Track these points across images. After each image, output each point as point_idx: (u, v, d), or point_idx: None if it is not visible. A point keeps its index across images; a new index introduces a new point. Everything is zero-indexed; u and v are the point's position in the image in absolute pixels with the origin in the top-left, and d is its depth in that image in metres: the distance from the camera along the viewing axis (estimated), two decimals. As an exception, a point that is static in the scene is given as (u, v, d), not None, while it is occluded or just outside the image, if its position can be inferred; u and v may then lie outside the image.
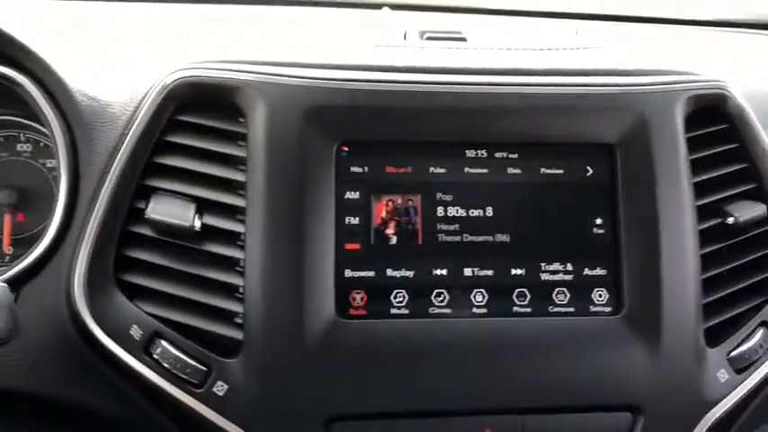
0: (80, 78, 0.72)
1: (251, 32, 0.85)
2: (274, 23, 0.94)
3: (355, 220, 0.68)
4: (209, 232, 0.67)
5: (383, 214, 0.69)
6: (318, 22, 1.02)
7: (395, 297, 0.68)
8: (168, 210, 0.67)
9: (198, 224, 0.67)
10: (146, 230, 0.68)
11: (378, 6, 1.07)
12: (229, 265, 0.67)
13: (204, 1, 1.05)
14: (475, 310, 0.69)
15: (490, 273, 0.69)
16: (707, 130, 0.76)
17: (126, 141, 0.68)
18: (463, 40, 0.82)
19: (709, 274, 0.72)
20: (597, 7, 1.20)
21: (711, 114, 0.76)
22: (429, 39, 0.82)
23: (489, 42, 0.81)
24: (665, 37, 1.16)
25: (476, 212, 0.70)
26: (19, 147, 0.81)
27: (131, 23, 0.89)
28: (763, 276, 0.75)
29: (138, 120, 0.68)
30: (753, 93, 0.81)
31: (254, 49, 0.72)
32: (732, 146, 0.76)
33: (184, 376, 0.65)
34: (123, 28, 0.86)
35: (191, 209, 0.67)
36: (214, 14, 0.98)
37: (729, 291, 0.73)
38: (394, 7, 1.07)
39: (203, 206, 0.68)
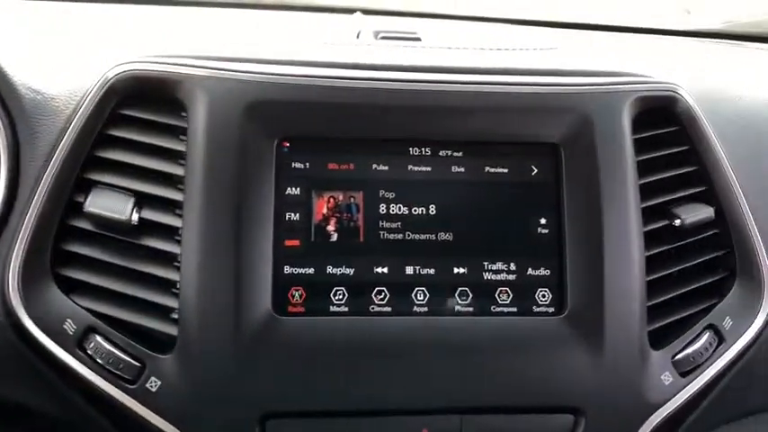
0: (24, 72, 0.71)
1: (202, 31, 0.85)
2: (230, 24, 0.94)
3: (295, 217, 0.68)
4: (147, 227, 0.67)
5: (324, 211, 0.68)
6: (281, 24, 1.02)
7: (334, 295, 0.67)
8: (106, 203, 0.66)
9: (135, 218, 0.66)
10: (84, 224, 0.67)
11: (350, 11, 1.07)
12: (167, 260, 0.66)
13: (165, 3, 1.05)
14: (416, 308, 0.68)
15: (432, 271, 0.69)
16: (656, 132, 0.75)
17: (67, 134, 0.67)
18: (417, 39, 0.82)
19: (654, 276, 0.72)
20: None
21: (661, 116, 0.76)
22: (383, 38, 0.82)
23: (443, 43, 0.80)
24: (632, 44, 1.16)
25: (419, 210, 0.70)
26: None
27: (77, 18, 0.88)
28: (710, 280, 0.75)
29: (79, 113, 0.67)
30: (709, 97, 0.81)
31: (198, 44, 0.72)
32: (682, 148, 0.76)
33: (117, 372, 0.64)
34: (68, 23, 0.85)
35: (129, 203, 0.66)
36: (167, 14, 0.98)
37: (676, 293, 0.73)
38: (367, 12, 1.07)
39: (143, 200, 0.67)
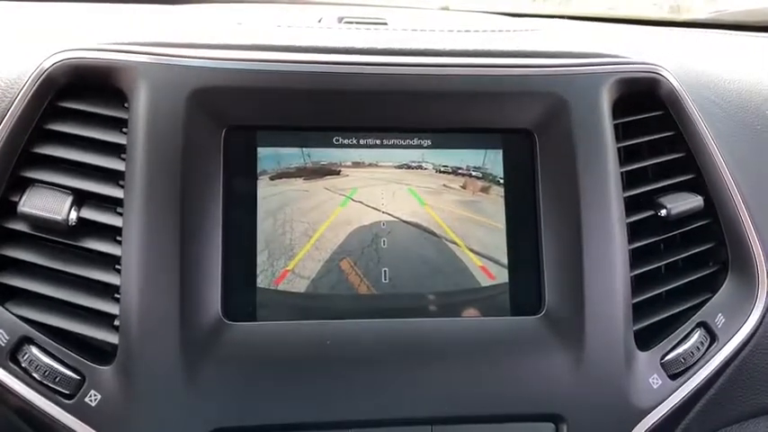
0: (-44, 64, 0.66)
1: (146, 22, 0.79)
2: (180, 18, 0.88)
3: (246, 212, 0.63)
4: (86, 227, 0.62)
5: (278, 205, 0.63)
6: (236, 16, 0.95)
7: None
8: (42, 203, 0.61)
9: (74, 218, 0.61)
10: (19, 226, 0.62)
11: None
12: (107, 262, 0.61)
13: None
14: None
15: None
16: (639, 117, 0.71)
17: (0, 129, 0.62)
18: (383, 24, 0.77)
19: (639, 271, 0.67)
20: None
21: (644, 100, 0.71)
22: (346, 23, 0.77)
23: (410, 26, 0.75)
24: (617, 33, 1.12)
25: (381, 201, 0.64)
26: None
27: (13, 11, 0.83)
28: (700, 274, 0.70)
29: (13, 106, 0.62)
30: (695, 80, 0.76)
31: (141, 33, 0.67)
32: (667, 134, 0.71)
33: (54, 386, 0.58)
34: (3, 15, 0.80)
35: (66, 202, 0.61)
36: (110, 8, 0.91)
37: (663, 289, 0.68)
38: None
39: (82, 199, 0.62)
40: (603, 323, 0.63)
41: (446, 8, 1.13)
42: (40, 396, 0.58)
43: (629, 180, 0.69)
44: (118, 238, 0.61)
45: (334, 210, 0.64)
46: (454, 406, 0.61)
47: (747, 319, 0.69)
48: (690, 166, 0.71)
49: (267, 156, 0.63)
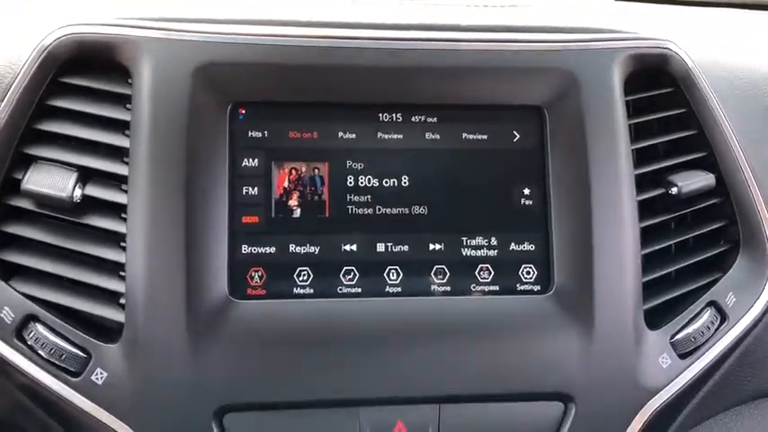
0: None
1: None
2: None
3: (253, 191, 0.62)
4: (91, 204, 0.61)
5: (285, 184, 0.63)
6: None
7: (298, 275, 0.62)
8: (46, 180, 0.60)
9: (78, 195, 0.60)
10: (24, 203, 0.61)
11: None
12: (112, 240, 0.61)
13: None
14: (388, 289, 0.63)
15: (406, 248, 0.63)
16: (650, 94, 0.69)
17: (2, 106, 0.61)
18: None
19: (650, 250, 0.66)
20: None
21: (656, 77, 0.70)
22: (353, -1, 0.76)
23: (420, 1, 0.74)
24: (624, 9, 1.10)
25: (390, 182, 0.64)
26: None
27: None
28: (711, 253, 0.69)
29: (16, 82, 0.61)
30: (707, 57, 0.74)
31: (144, 6, 0.66)
32: (678, 111, 0.70)
33: (60, 363, 0.58)
34: None
35: (71, 179, 0.60)
36: None
37: (674, 268, 0.67)
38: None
39: (86, 176, 0.61)
40: (613, 302, 0.63)
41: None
42: (46, 374, 0.58)
43: (639, 157, 0.68)
44: (123, 216, 0.60)
45: (342, 190, 0.63)
46: (462, 385, 0.61)
47: (758, 298, 0.68)
48: (701, 143, 0.70)
49: (275, 134, 0.63)
